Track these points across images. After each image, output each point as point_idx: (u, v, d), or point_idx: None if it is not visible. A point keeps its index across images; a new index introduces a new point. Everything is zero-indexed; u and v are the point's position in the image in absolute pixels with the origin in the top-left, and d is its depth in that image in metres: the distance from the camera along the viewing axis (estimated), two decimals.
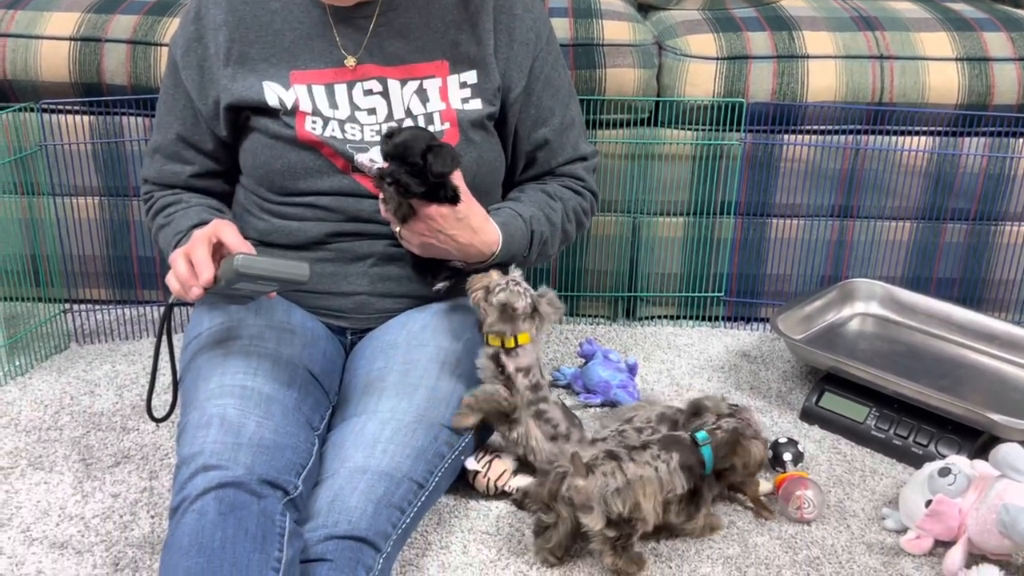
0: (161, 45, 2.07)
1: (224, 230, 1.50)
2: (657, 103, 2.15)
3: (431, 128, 1.64)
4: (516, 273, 1.63)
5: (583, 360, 2.02)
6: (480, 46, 1.67)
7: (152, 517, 1.63)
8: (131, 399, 1.94)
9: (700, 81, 2.11)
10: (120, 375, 2.03)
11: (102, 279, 2.25)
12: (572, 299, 2.27)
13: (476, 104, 1.68)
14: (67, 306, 2.17)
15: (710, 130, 2.14)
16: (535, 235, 1.70)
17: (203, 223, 1.58)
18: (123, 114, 2.10)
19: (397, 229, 1.62)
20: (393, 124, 1.64)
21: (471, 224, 1.61)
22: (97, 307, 2.23)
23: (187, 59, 1.67)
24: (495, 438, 1.69)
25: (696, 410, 1.65)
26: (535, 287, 1.64)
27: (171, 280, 1.50)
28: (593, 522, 1.47)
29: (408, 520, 1.46)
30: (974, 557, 1.54)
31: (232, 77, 1.64)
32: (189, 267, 1.47)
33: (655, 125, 2.16)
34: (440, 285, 1.69)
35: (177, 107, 1.69)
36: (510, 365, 1.61)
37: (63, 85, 2.10)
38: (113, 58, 2.08)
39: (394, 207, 1.59)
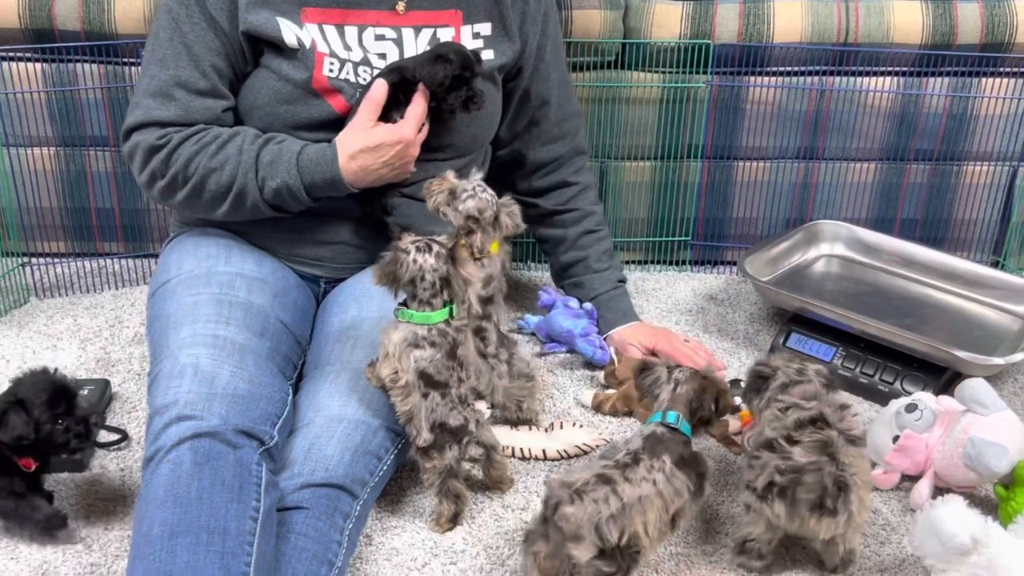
0: None
1: None
2: (624, 45, 2.13)
3: None
4: (478, 176, 1.56)
5: (545, 310, 1.95)
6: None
7: (122, 470, 1.61)
8: (95, 352, 1.91)
9: (666, 22, 2.09)
10: (83, 328, 1.99)
11: (60, 231, 2.20)
12: (537, 246, 2.26)
13: (488, 55, 1.67)
14: (25, 259, 2.12)
15: (677, 72, 2.12)
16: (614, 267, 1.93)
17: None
18: (77, 61, 2.04)
19: None
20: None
21: None
22: (56, 260, 2.18)
23: None
24: None
25: (644, 368, 1.46)
26: None
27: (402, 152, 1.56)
28: (582, 552, 1.24)
29: (385, 467, 1.47)
30: (940, 490, 1.57)
31: (247, 7, 1.57)
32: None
33: (621, 68, 2.15)
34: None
35: (207, 37, 1.57)
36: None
37: (13, 31, 2.03)
38: (65, 2, 2.01)
39: None
